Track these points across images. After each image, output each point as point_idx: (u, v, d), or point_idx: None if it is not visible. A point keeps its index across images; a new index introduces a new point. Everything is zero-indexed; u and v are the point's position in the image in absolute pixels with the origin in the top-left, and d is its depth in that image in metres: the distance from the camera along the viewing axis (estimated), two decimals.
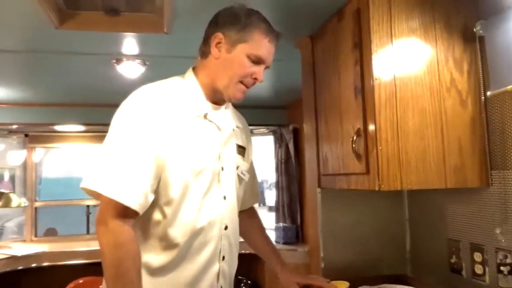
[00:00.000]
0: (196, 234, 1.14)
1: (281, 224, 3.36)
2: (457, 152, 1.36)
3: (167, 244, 1.11)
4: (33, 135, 3.81)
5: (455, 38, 1.40)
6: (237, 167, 1.27)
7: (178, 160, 1.10)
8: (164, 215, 1.11)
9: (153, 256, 1.11)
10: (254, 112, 3.65)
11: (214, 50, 1.16)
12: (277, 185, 3.60)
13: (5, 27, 1.70)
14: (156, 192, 1.10)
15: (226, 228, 1.19)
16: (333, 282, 1.51)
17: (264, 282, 3.29)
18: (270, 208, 15.30)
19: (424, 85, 1.36)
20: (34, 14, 1.48)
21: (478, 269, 1.42)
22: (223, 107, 1.24)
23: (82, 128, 3.62)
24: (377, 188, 1.31)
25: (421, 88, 1.35)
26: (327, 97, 1.70)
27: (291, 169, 3.47)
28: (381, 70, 1.33)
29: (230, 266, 1.25)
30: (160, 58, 2.12)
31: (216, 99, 1.21)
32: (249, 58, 1.15)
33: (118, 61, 2.09)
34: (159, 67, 2.18)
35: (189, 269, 1.14)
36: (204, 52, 1.20)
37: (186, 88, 1.19)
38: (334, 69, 1.61)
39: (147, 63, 2.14)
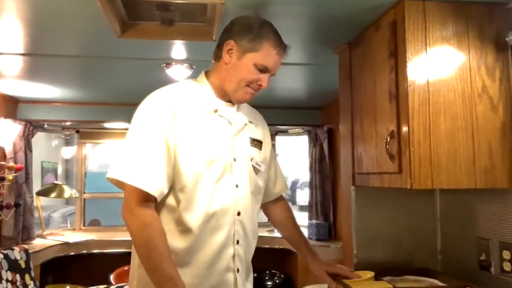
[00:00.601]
0: (209, 218, 1.24)
1: (314, 221, 3.47)
2: (487, 155, 1.44)
3: (183, 228, 1.23)
4: (84, 132, 4.09)
5: (488, 46, 1.47)
6: (251, 159, 1.36)
7: (189, 151, 1.22)
8: (178, 201, 1.23)
9: (173, 239, 1.22)
10: (290, 113, 3.78)
11: (225, 56, 1.28)
12: (311, 183, 3.70)
13: (72, 35, 1.92)
14: (172, 179, 1.22)
15: (239, 214, 1.29)
16: (358, 272, 1.62)
17: (297, 276, 3.42)
18: (301, 208, 15.22)
19: (456, 91, 1.45)
20: (100, 24, 1.66)
21: (507, 266, 1.50)
22: (235, 105, 1.35)
23: (128, 125, 3.84)
24: (408, 187, 1.41)
25: (453, 94, 1.44)
26: (363, 100, 1.81)
27: (324, 168, 3.57)
28: (415, 77, 1.43)
29: (246, 251, 1.34)
30: (206, 62, 2.26)
31: (227, 98, 1.33)
32: (256, 66, 1.26)
33: (168, 65, 2.28)
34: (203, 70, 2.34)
35: (205, 252, 1.25)
36: (217, 56, 1.32)
37: (198, 88, 1.32)
38: (370, 75, 1.71)
39: (193, 66, 2.32)
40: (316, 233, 3.38)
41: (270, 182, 1.54)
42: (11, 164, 2.97)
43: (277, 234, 3.77)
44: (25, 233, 3.19)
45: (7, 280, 2.44)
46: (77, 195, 3.84)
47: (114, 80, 2.79)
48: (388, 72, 1.54)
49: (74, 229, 4.08)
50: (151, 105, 1.26)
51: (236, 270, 1.31)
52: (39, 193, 3.60)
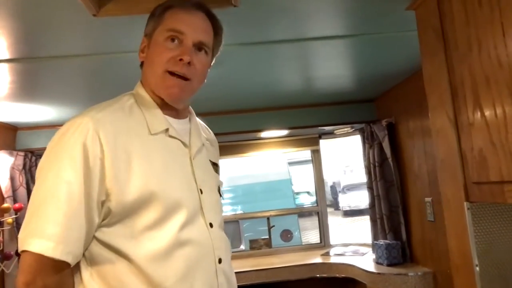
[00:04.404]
0: (184, 274, 0.94)
1: (381, 242, 2.76)
2: None
3: None
4: None
5: None
6: (218, 187, 1.14)
7: (135, 197, 0.91)
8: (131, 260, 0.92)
9: None
10: (335, 110, 3.11)
11: (140, 56, 1.06)
12: (371, 192, 3.01)
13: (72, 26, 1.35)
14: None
15: (220, 261, 1.02)
16: None
17: None
18: (346, 213, 14.44)
19: None
20: None
21: None
22: (185, 119, 1.10)
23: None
24: None
25: None
26: (480, 70, 1.13)
27: (388, 173, 2.87)
28: None
29: None
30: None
31: (175, 112, 1.06)
32: (166, 39, 1.00)
33: None
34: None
35: None
36: (141, 65, 1.08)
37: (136, 103, 1.03)
38: (493, 27, 1.04)
39: None
40: (387, 256, 2.67)
41: None
42: (6, 205, 2.45)
43: (334, 259, 3.08)
44: None
45: None
46: None
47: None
48: None
49: None
50: (67, 133, 0.91)
51: None
52: None
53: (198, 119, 1.18)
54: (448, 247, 1.39)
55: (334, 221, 13.76)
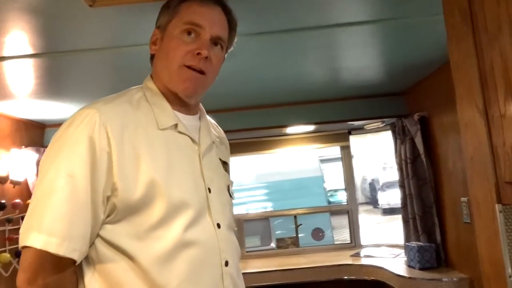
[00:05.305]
0: (188, 277, 0.90)
1: (414, 244, 2.59)
2: None
3: None
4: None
5: None
6: (228, 187, 1.10)
7: (141, 193, 0.87)
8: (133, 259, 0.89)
9: None
10: (363, 104, 2.96)
11: (152, 49, 1.03)
12: (403, 191, 2.83)
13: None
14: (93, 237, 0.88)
15: (227, 264, 0.97)
16: None
17: None
18: (385, 211, 14.08)
19: None
20: None
21: None
22: (195, 116, 1.08)
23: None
24: None
25: None
26: None
27: (420, 170, 2.68)
28: None
29: None
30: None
31: (185, 108, 1.03)
32: (183, 32, 0.97)
33: None
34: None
35: None
36: (151, 58, 1.06)
37: (145, 97, 1.00)
38: None
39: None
40: (419, 259, 2.50)
41: None
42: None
43: (364, 260, 2.94)
44: None
45: None
46: None
47: None
48: None
49: None
50: (72, 125, 0.88)
51: None
52: None
53: (208, 117, 1.14)
54: (478, 254, 1.25)
55: (372, 219, 13.39)
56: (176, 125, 0.98)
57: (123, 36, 1.53)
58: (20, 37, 1.47)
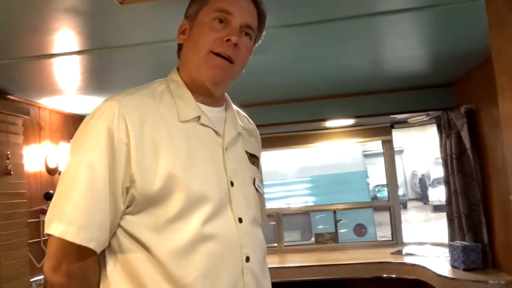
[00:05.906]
0: (206, 271, 0.89)
1: (458, 243, 2.47)
2: None
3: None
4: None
5: None
6: (254, 180, 1.06)
7: (160, 185, 0.88)
8: (152, 252, 0.89)
9: None
10: (406, 96, 2.84)
11: (180, 38, 1.02)
12: (448, 187, 2.70)
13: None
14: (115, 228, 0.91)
15: (248, 259, 0.95)
16: None
17: None
18: (436, 208, 13.49)
19: None
20: None
21: None
22: (221, 108, 1.06)
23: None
24: None
25: None
26: None
27: (467, 166, 2.54)
28: None
29: None
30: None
31: (210, 99, 1.02)
32: (213, 19, 0.96)
33: None
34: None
35: None
36: (178, 49, 1.05)
37: (169, 90, 1.00)
38: None
39: None
40: (463, 260, 2.38)
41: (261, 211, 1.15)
42: None
43: (405, 258, 2.85)
44: None
45: None
46: None
47: None
48: None
49: None
50: (93, 117, 0.90)
51: None
52: None
53: (237, 108, 1.13)
54: (497, 239, 1.16)
55: (421, 216, 12.88)
56: (199, 118, 0.97)
57: (158, 31, 1.57)
58: (65, 35, 1.56)
